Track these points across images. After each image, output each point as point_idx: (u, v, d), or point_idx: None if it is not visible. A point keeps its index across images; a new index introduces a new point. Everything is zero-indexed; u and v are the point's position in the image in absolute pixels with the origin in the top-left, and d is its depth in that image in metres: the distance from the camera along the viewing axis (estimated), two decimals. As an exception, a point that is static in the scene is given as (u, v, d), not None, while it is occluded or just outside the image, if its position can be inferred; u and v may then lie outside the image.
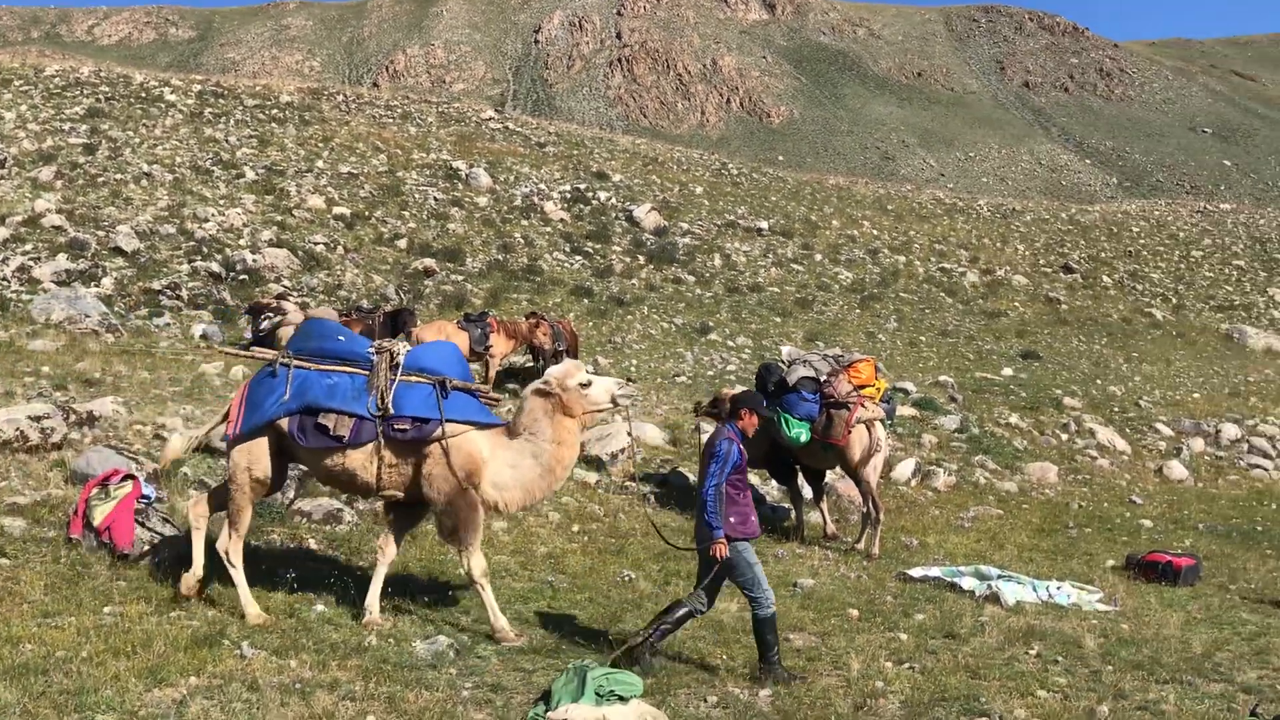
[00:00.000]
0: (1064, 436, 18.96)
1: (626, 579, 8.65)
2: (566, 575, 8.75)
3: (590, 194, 33.71)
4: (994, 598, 9.03)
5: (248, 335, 16.46)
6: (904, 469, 14.81)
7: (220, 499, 7.21)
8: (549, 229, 29.84)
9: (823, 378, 11.19)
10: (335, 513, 9.17)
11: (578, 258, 28.21)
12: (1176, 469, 18.02)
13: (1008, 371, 24.33)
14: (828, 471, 12.09)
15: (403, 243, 25.40)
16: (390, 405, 6.96)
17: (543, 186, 32.96)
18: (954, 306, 32.41)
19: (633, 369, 19.98)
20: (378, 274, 23.05)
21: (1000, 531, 12.86)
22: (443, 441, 6.96)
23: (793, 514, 11.97)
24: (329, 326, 7.77)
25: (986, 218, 47.89)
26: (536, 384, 7.30)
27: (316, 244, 23.41)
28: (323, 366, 7.15)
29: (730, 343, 23.26)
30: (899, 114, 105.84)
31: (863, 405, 11.02)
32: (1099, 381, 24.59)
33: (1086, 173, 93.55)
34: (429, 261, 24.42)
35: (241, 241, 22.34)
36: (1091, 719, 5.66)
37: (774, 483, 12.76)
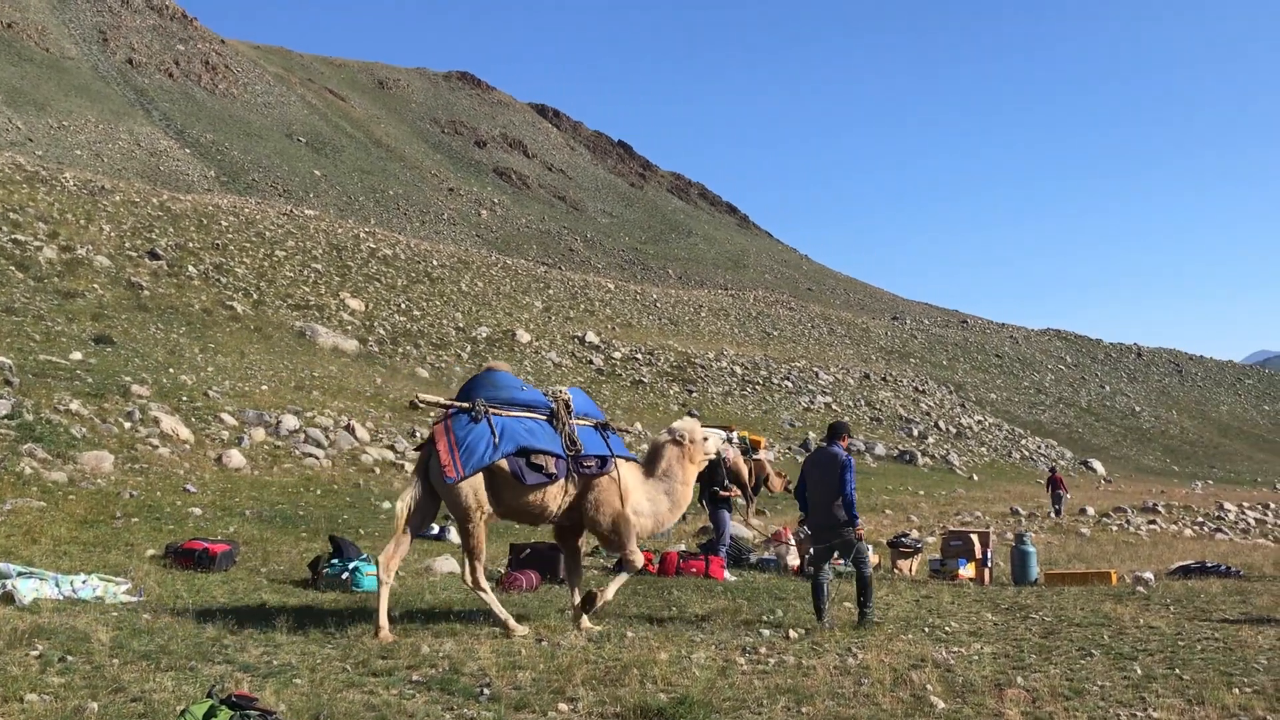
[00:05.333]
0: (128, 425, 18.48)
1: None
2: None
3: None
4: (8, 597, 8.33)
5: None
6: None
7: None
8: None
9: None
10: None
11: None
12: (235, 457, 18.64)
13: (77, 355, 23.05)
14: None
15: None
16: (580, 445, 8.43)
17: None
18: (25, 283, 29.87)
19: None
20: None
21: (38, 525, 12.00)
22: (615, 475, 8.58)
23: None
24: (511, 379, 8.63)
25: (73, 192, 45.06)
26: (672, 435, 9.17)
27: None
28: (511, 413, 8.28)
29: None
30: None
31: None
32: (172, 370, 24.50)
33: (186, 161, 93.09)
34: None
35: None
36: (79, 717, 5.41)
37: None
